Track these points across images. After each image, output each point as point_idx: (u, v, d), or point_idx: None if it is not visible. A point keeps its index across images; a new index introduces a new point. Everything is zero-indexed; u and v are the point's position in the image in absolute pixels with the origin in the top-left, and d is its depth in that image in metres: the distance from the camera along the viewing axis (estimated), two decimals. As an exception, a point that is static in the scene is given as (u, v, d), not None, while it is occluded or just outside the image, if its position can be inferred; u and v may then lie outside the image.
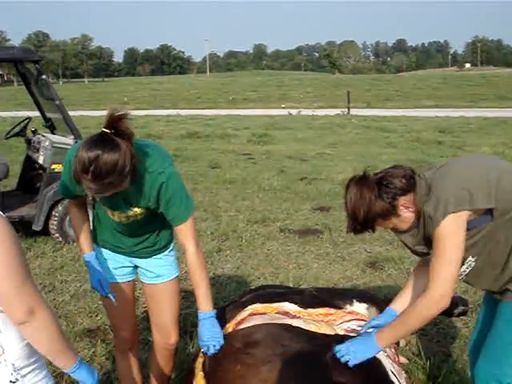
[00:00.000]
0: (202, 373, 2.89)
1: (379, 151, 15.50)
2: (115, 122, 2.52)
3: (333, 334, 3.02)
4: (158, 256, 3.24)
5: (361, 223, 2.75)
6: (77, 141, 7.31)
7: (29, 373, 2.03)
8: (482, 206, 2.56)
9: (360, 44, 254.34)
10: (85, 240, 3.12)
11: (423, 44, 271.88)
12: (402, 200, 2.71)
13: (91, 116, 28.90)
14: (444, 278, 2.56)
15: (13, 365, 1.98)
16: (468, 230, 2.59)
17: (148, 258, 3.23)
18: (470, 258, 2.70)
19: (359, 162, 13.29)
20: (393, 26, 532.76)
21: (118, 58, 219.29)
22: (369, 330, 2.99)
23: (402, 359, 3.55)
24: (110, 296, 3.11)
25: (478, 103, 37.85)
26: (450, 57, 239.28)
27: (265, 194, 10.14)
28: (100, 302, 5.09)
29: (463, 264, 2.69)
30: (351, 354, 2.69)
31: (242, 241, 7.36)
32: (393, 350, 3.28)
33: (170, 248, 3.30)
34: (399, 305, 3.02)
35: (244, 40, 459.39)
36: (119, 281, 3.23)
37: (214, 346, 2.90)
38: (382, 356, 2.96)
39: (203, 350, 2.98)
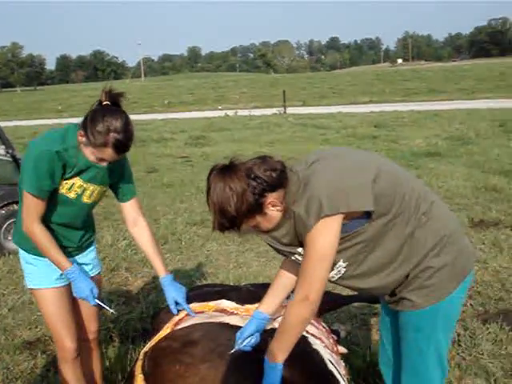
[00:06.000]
0: (141, 375, 2.87)
1: (316, 148, 15.62)
2: (114, 98, 2.85)
3: (270, 328, 3.05)
4: (92, 248, 3.42)
5: (231, 220, 2.40)
6: (8, 152, 7.17)
7: None
8: (360, 208, 2.36)
9: (294, 43, 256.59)
10: (62, 255, 3.06)
11: (356, 41, 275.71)
12: (271, 197, 2.41)
13: (25, 126, 28.34)
14: (310, 281, 2.39)
15: None
16: (342, 233, 2.39)
17: (87, 249, 3.36)
18: (341, 263, 2.50)
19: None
20: (325, 24, 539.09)
21: (51, 65, 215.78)
22: (246, 343, 2.80)
23: (342, 349, 3.60)
24: (99, 302, 3.18)
25: (411, 97, 38.60)
26: (382, 53, 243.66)
27: (203, 196, 9.99)
28: (39, 314, 5.01)
29: (332, 269, 2.49)
30: None
31: (181, 243, 7.35)
32: (331, 340, 3.34)
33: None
34: (265, 305, 2.86)
35: (178, 43, 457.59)
36: (60, 285, 3.20)
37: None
38: (319, 346, 3.01)
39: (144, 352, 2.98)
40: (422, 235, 2.48)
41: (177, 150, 17.12)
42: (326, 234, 2.33)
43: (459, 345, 4.31)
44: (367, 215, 2.41)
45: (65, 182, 2.98)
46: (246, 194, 2.35)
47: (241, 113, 31.05)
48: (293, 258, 2.60)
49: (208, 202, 2.42)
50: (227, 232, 2.50)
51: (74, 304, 3.34)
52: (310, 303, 2.41)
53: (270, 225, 2.50)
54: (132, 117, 2.92)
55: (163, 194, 10.59)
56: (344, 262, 2.51)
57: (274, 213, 2.45)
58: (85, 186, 3.06)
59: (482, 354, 4.18)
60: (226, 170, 2.39)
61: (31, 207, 2.96)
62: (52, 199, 3.01)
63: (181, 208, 9.35)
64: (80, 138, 2.84)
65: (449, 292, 2.52)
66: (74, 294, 3.14)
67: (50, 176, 2.88)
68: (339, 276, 2.57)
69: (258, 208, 2.41)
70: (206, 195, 2.43)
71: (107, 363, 4.12)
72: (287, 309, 2.51)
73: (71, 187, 3.02)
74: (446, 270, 2.50)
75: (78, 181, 3.02)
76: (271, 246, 2.62)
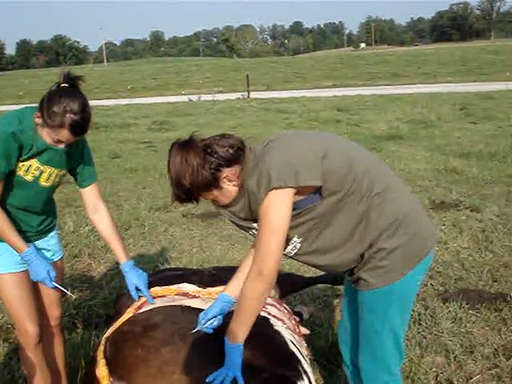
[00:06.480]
0: (103, 360, 2.86)
1: (279, 132, 15.64)
2: (72, 81, 2.85)
3: (233, 311, 3.06)
4: (53, 233, 3.38)
5: (186, 192, 2.51)
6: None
7: None
8: (307, 183, 2.40)
9: (257, 27, 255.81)
10: (18, 237, 3.04)
11: (319, 26, 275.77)
12: (226, 172, 2.50)
13: (-16, 112, 27.84)
14: (263, 256, 2.42)
15: None
16: (295, 210, 2.44)
17: (47, 235, 3.33)
18: (296, 239, 2.56)
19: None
20: (289, 8, 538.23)
21: (11, 50, 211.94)
22: (208, 324, 2.79)
23: (304, 330, 3.63)
24: (57, 285, 3.18)
25: (374, 81, 38.87)
26: (345, 37, 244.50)
27: (166, 181, 9.92)
28: None
29: (288, 244, 2.56)
30: (229, 372, 2.53)
31: (144, 228, 7.33)
32: (293, 321, 3.36)
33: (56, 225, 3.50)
34: (231, 288, 2.83)
35: (140, 27, 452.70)
36: (20, 270, 3.16)
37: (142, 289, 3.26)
38: (281, 328, 3.02)
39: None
40: (375, 216, 2.50)
41: (140, 136, 16.99)
42: (276, 207, 2.39)
43: (420, 324, 4.39)
44: (319, 192, 2.46)
45: (21, 163, 2.96)
46: (202, 167, 2.46)
47: (204, 98, 30.91)
48: (250, 233, 2.66)
49: (167, 175, 2.54)
50: (186, 204, 2.64)
51: (36, 289, 3.32)
52: (265, 278, 2.43)
53: (226, 199, 2.58)
54: (94, 102, 2.93)
55: (126, 179, 10.52)
56: (298, 238, 2.56)
57: (230, 187, 2.54)
58: (42, 168, 3.04)
59: (442, 332, 4.26)
60: (185, 145, 2.51)
61: None
62: (9, 181, 2.98)
63: (144, 193, 9.32)
64: (37, 119, 2.83)
65: (403, 273, 2.54)
66: (31, 277, 3.11)
67: (6, 157, 2.86)
68: (295, 251, 2.62)
69: (213, 182, 2.50)
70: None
71: (70, 349, 4.10)
72: (243, 286, 2.53)
73: (28, 169, 3.00)
74: (400, 251, 2.51)
75: (34, 163, 3.00)
76: (231, 220, 2.68)
